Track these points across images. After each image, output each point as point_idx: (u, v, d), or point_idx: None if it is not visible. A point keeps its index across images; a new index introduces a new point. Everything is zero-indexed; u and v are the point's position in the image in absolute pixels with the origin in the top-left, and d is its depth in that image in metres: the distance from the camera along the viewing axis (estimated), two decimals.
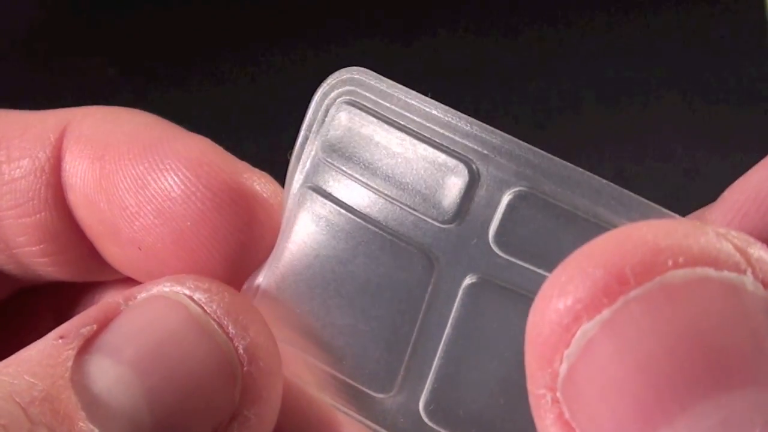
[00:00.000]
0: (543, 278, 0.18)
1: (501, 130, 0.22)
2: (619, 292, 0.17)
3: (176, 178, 0.24)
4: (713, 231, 0.17)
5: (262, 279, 0.24)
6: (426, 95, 0.22)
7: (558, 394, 0.18)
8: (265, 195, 0.25)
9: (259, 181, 0.25)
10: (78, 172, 0.26)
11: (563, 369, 0.17)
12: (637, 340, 0.17)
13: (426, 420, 0.23)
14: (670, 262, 0.17)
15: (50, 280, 0.28)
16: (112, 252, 0.26)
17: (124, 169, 0.25)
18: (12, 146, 0.26)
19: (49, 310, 0.30)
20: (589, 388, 0.17)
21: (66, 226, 0.26)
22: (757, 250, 0.17)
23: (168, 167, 0.24)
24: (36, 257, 0.27)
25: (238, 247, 0.24)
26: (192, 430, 0.22)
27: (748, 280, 0.17)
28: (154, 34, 0.70)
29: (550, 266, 0.18)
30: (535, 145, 0.21)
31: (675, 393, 0.16)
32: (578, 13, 0.68)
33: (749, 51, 0.66)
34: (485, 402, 0.22)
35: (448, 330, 0.22)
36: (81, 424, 0.21)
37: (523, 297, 0.21)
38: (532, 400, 0.18)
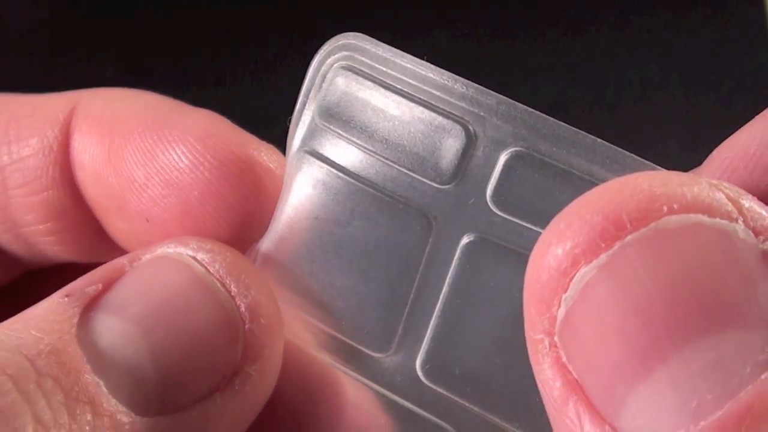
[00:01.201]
0: (539, 235, 0.19)
1: None
2: (616, 237, 0.17)
3: (184, 149, 0.25)
4: (707, 182, 0.18)
5: (262, 242, 0.25)
6: (422, 59, 0.23)
7: (555, 338, 0.18)
8: (271, 165, 0.25)
9: (266, 152, 0.26)
10: (87, 149, 0.26)
11: (561, 313, 0.18)
12: (633, 283, 0.17)
13: (422, 378, 0.23)
14: (665, 209, 0.17)
15: (56, 262, 0.29)
16: (119, 227, 0.27)
17: (133, 142, 0.25)
18: (21, 126, 0.27)
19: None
20: (586, 331, 0.18)
21: (73, 203, 0.27)
22: (748, 201, 0.18)
23: (176, 139, 0.25)
24: (42, 236, 0.27)
25: (244, 215, 0.25)
26: (195, 385, 0.22)
27: (740, 227, 0.18)
28: (153, 32, 0.70)
29: (547, 224, 0.18)
30: None
31: (669, 333, 0.17)
32: (577, 12, 0.69)
33: (749, 51, 0.66)
34: (481, 360, 0.22)
35: (445, 289, 0.23)
36: (87, 376, 0.21)
37: (520, 255, 0.22)
38: (530, 346, 0.19)
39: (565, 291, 0.18)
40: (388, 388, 0.24)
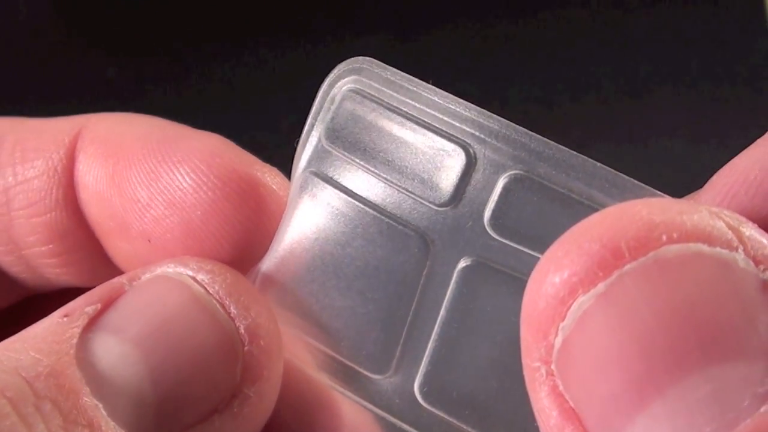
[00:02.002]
0: (537, 260, 0.18)
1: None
2: (615, 266, 0.17)
3: (188, 169, 0.25)
4: (707, 209, 0.18)
5: (262, 262, 0.25)
6: (428, 83, 0.23)
7: (552, 367, 0.18)
8: (274, 187, 0.25)
9: (269, 174, 0.26)
10: (91, 170, 0.26)
11: (558, 341, 0.18)
12: (630, 313, 0.17)
13: (420, 401, 0.23)
14: (664, 238, 0.17)
15: (57, 286, 0.29)
16: (121, 249, 0.27)
17: (137, 164, 0.25)
18: (27, 148, 0.27)
19: None
20: (583, 360, 0.18)
21: (75, 225, 0.27)
22: (748, 229, 0.18)
23: (180, 159, 0.25)
24: (45, 257, 0.27)
25: (247, 236, 0.25)
26: (194, 407, 0.22)
27: (740, 256, 0.17)
28: (153, 32, 0.71)
29: (545, 249, 0.18)
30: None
31: (667, 365, 0.17)
32: (577, 8, 0.69)
33: (749, 49, 0.66)
34: (478, 384, 0.22)
35: (442, 312, 0.23)
36: (85, 398, 0.21)
37: (517, 279, 0.22)
38: (527, 374, 0.19)
39: (563, 320, 0.18)
40: (387, 410, 0.24)
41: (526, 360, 0.19)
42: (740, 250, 0.17)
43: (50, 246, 0.27)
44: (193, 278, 0.23)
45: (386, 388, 0.24)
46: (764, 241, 0.18)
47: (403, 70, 0.24)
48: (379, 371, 0.23)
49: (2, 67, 0.65)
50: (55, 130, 0.27)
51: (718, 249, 0.17)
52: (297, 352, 0.25)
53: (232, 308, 0.23)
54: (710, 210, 0.18)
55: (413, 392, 0.23)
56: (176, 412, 0.22)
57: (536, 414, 0.19)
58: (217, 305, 0.23)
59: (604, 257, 0.17)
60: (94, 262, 0.28)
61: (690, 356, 0.17)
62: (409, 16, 0.69)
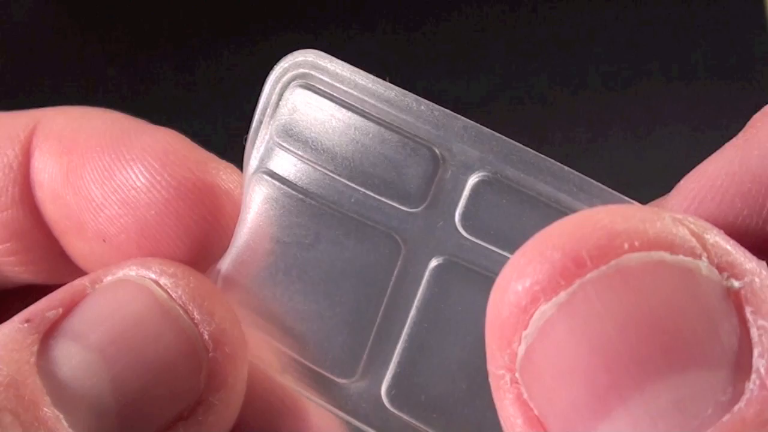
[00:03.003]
0: (507, 260, 0.18)
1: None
2: (576, 275, 0.17)
3: (141, 168, 0.24)
4: (670, 217, 0.18)
5: (222, 264, 0.24)
6: (385, 79, 0.22)
7: (516, 375, 0.18)
8: (229, 185, 0.25)
9: (224, 171, 0.25)
10: (46, 168, 0.26)
11: (521, 350, 0.18)
12: (592, 322, 0.17)
13: (387, 405, 0.23)
14: (626, 246, 0.17)
15: (18, 284, 0.28)
16: (78, 248, 0.26)
17: (91, 161, 0.25)
18: None
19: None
20: (546, 369, 0.17)
21: (32, 223, 0.26)
22: (713, 236, 0.18)
23: (133, 158, 0.25)
24: (3, 256, 0.27)
25: (202, 236, 0.25)
26: (157, 416, 0.22)
27: (703, 264, 0.17)
28: (153, 32, 0.70)
29: (515, 250, 0.18)
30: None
31: (629, 374, 0.17)
32: (577, 2, 0.69)
33: (749, 44, 0.66)
34: (447, 387, 0.22)
35: (413, 313, 0.22)
36: (46, 409, 0.21)
37: (488, 278, 0.21)
38: (492, 381, 0.19)
39: (525, 328, 0.18)
40: (353, 415, 0.23)
41: (491, 367, 0.18)
42: (704, 258, 0.17)
43: (8, 244, 0.27)
44: (156, 282, 0.23)
45: (353, 393, 0.23)
46: (728, 247, 0.18)
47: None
48: (345, 375, 0.23)
49: (2, 67, 0.65)
50: (10, 125, 0.26)
51: (680, 257, 0.17)
52: (262, 354, 0.24)
53: (195, 314, 0.23)
54: (674, 217, 0.18)
55: (380, 396, 0.23)
56: (139, 421, 0.22)
57: (502, 420, 0.19)
58: (181, 311, 0.23)
59: (565, 266, 0.17)
60: (53, 260, 0.27)
61: (652, 365, 0.17)
62: (405, 8, 0.69)
